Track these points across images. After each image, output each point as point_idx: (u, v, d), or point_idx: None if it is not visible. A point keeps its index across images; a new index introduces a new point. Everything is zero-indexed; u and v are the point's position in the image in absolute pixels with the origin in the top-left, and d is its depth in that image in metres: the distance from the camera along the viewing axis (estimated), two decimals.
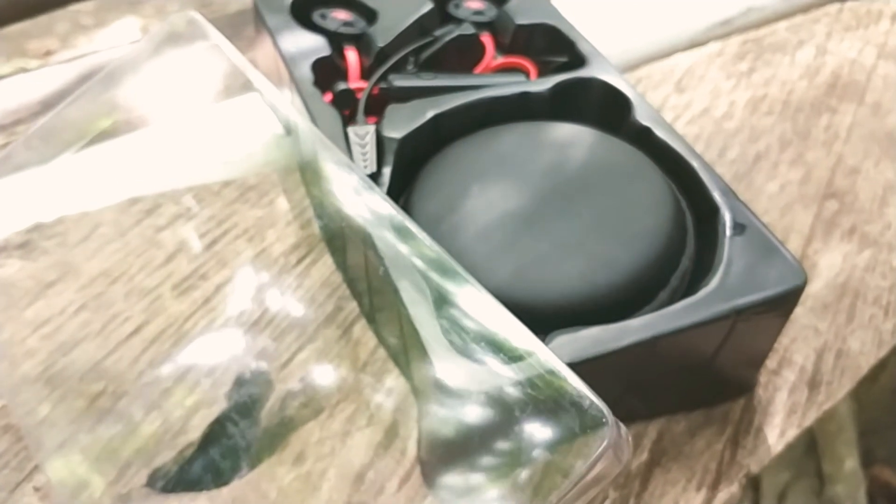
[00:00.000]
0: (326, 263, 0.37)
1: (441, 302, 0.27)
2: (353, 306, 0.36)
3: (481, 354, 0.26)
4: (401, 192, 0.34)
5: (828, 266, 0.40)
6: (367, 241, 0.30)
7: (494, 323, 0.26)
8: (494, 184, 0.32)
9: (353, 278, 0.35)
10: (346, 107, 0.37)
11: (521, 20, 0.41)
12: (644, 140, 0.35)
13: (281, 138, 0.36)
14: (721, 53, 0.53)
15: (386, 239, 0.29)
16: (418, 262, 0.28)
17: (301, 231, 0.39)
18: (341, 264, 0.36)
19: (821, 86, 0.51)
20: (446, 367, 0.27)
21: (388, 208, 0.29)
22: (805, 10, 0.59)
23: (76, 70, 0.59)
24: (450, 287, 0.27)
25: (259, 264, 0.37)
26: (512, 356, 0.25)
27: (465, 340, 0.27)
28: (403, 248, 0.28)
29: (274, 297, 0.36)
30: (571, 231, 0.30)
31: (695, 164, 0.33)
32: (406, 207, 0.33)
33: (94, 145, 0.41)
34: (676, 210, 0.32)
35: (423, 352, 0.28)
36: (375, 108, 0.37)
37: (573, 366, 0.23)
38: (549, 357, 0.24)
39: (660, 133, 0.35)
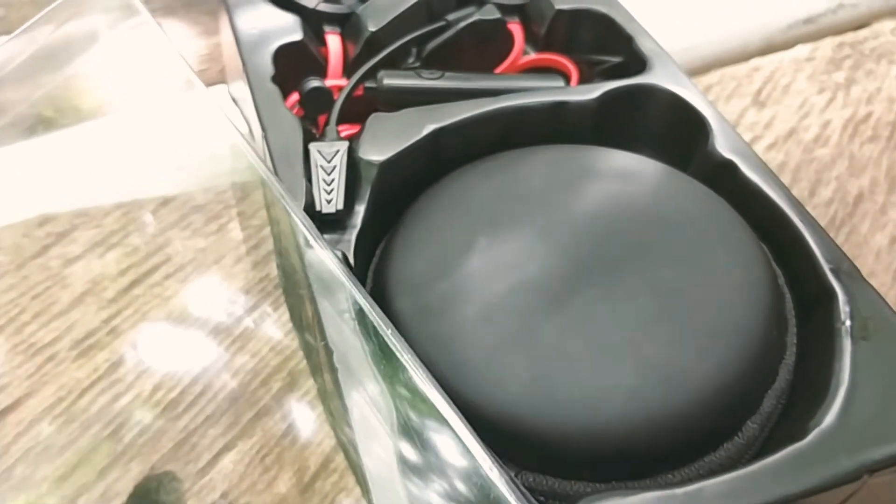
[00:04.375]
0: (280, 321, 0.28)
1: (405, 430, 0.18)
2: (308, 386, 0.26)
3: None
4: (378, 239, 0.25)
5: None
6: (316, 313, 0.21)
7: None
8: (510, 236, 0.23)
9: (308, 349, 0.25)
10: (319, 112, 0.27)
11: (563, 4, 0.31)
12: (724, 180, 0.25)
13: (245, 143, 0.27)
14: (811, 59, 0.43)
15: (334, 320, 0.20)
16: (374, 368, 0.18)
17: (253, 272, 0.29)
18: (298, 325, 0.26)
19: None
20: None
21: (341, 276, 0.19)
22: None
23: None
24: (412, 415, 0.17)
25: (190, 318, 0.28)
26: None
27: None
28: (354, 342, 0.19)
29: (202, 367, 0.26)
30: (618, 321, 0.20)
31: (799, 221, 0.23)
32: (382, 265, 0.23)
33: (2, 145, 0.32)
34: (773, 293, 0.22)
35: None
36: (362, 116, 0.27)
37: None
38: None
39: (749, 172, 0.25)
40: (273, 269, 0.29)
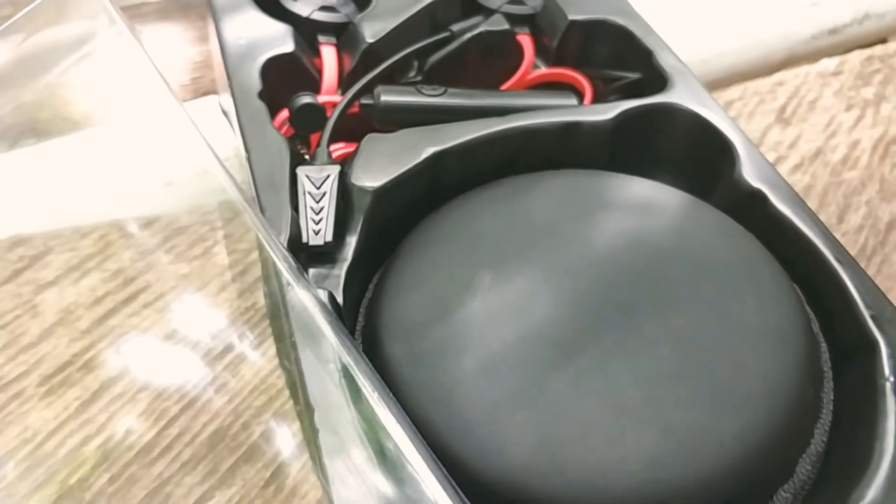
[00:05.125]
0: (266, 356, 0.26)
1: None
2: (295, 429, 0.24)
3: None
4: (371, 273, 0.23)
5: None
6: (297, 355, 0.19)
7: None
8: (516, 274, 0.20)
9: (294, 389, 0.23)
10: (310, 131, 0.25)
11: (577, 14, 0.28)
12: (752, 212, 0.23)
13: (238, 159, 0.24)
14: (838, 73, 0.40)
15: (317, 372, 0.17)
16: (361, 433, 0.16)
17: (239, 300, 0.27)
18: (284, 363, 0.24)
19: None
20: None
21: (325, 328, 0.17)
22: None
23: None
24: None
25: (168, 352, 0.26)
26: None
27: None
28: (339, 400, 0.17)
29: (180, 407, 0.24)
30: (635, 376, 0.18)
31: (835, 260, 0.21)
32: (374, 303, 0.21)
33: None
34: (808, 343, 0.20)
35: None
36: (358, 133, 0.25)
37: None
38: None
39: (780, 204, 0.22)
40: (260, 298, 0.27)
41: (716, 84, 0.44)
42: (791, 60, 0.48)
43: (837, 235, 0.25)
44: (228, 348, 0.25)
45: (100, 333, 0.26)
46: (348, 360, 0.16)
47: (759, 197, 0.23)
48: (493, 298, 0.20)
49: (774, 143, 0.36)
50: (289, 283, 0.18)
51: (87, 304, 0.26)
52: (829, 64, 0.41)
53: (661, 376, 0.18)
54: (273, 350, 0.25)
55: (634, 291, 0.20)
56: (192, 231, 0.29)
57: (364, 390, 0.16)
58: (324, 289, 0.19)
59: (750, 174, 0.23)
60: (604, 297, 0.20)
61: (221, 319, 0.26)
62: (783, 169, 0.34)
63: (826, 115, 0.37)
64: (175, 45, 0.42)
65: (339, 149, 0.26)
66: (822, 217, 0.32)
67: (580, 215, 0.22)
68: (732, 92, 0.38)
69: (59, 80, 0.30)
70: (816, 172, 0.34)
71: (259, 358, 0.25)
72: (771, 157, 0.35)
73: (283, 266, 0.18)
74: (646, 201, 0.22)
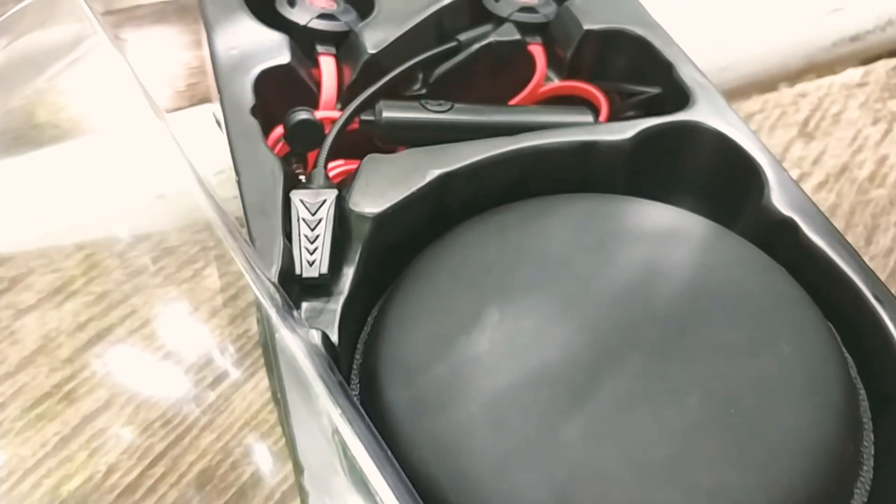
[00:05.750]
0: (258, 388, 0.24)
1: None
2: (287, 470, 0.22)
3: None
4: (370, 305, 0.21)
5: None
6: (285, 403, 0.17)
7: None
8: (527, 310, 0.19)
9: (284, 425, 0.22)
10: (307, 149, 0.23)
11: (593, 24, 0.27)
12: (782, 242, 0.21)
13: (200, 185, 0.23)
14: (863, 84, 0.38)
15: (305, 423, 0.16)
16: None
17: (230, 327, 0.25)
18: (277, 396, 0.23)
19: None
20: None
21: (312, 374, 0.15)
22: None
23: None
24: None
25: (154, 384, 0.24)
26: None
27: None
28: (330, 457, 0.15)
29: (166, 444, 0.23)
30: (658, 429, 0.17)
31: (874, 299, 0.19)
32: (373, 340, 0.20)
33: None
34: (847, 392, 0.18)
35: None
36: (359, 150, 0.23)
37: None
38: None
39: (812, 234, 0.21)
40: (253, 324, 0.25)
41: (734, 93, 0.42)
42: (811, 68, 0.46)
43: (866, 259, 0.23)
44: (218, 380, 0.24)
45: (82, 363, 0.24)
46: (339, 422, 0.15)
47: (789, 226, 0.21)
48: (502, 338, 0.18)
49: (797, 158, 0.34)
50: (276, 331, 0.16)
51: (70, 330, 0.25)
52: (853, 74, 0.39)
53: (686, 430, 0.17)
54: (265, 382, 0.24)
55: (657, 333, 0.18)
56: (182, 251, 0.27)
57: (355, 462, 0.14)
58: (316, 328, 0.18)
59: (779, 200, 0.21)
60: (623, 339, 0.18)
61: (211, 348, 0.25)
62: (807, 187, 0.32)
63: (851, 128, 0.36)
64: (170, 49, 0.40)
65: (339, 166, 0.24)
66: (849, 238, 0.30)
67: (597, 245, 0.20)
68: (753, 104, 0.37)
69: (48, 86, 0.29)
70: (842, 191, 0.33)
71: (251, 391, 0.24)
72: (794, 173, 0.33)
73: (268, 305, 0.17)
74: (668, 231, 0.21)
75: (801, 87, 0.38)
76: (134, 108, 0.24)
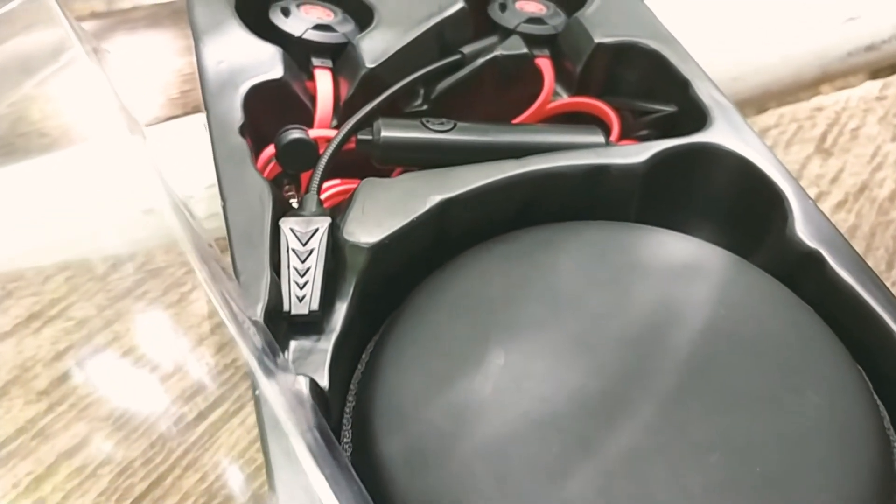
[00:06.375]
0: (245, 425, 0.23)
1: None
2: None
3: None
4: (363, 343, 0.19)
5: None
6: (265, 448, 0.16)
7: None
8: (533, 350, 0.17)
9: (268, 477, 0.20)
10: (300, 170, 0.22)
11: (605, 36, 0.25)
12: (807, 277, 0.20)
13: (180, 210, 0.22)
14: (882, 98, 0.37)
15: (289, 483, 0.14)
16: None
17: (217, 356, 0.24)
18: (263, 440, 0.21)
19: None
20: None
21: (292, 421, 0.14)
22: None
23: None
24: None
25: (135, 418, 0.23)
26: None
27: None
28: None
29: (145, 485, 0.21)
30: (676, 488, 0.15)
31: None
32: (367, 381, 0.18)
33: None
34: (880, 445, 0.16)
35: None
36: (356, 170, 0.22)
37: None
38: None
39: (840, 269, 0.19)
40: (241, 353, 0.24)
41: (746, 103, 0.41)
42: (825, 78, 0.45)
43: (888, 284, 0.22)
44: (203, 414, 0.22)
45: (59, 395, 0.23)
46: (323, 493, 0.13)
47: (815, 259, 0.20)
48: (507, 384, 0.17)
49: (815, 176, 0.32)
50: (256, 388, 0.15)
51: (47, 359, 0.23)
52: (871, 87, 0.38)
53: (709, 491, 0.15)
54: (252, 419, 0.22)
55: (675, 380, 0.17)
56: (168, 274, 0.26)
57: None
58: (304, 374, 0.16)
59: (804, 231, 0.20)
60: (638, 386, 0.17)
61: (197, 379, 0.23)
62: (825, 206, 0.31)
63: (871, 144, 0.34)
64: (164, 55, 0.39)
65: (335, 186, 0.23)
66: (870, 262, 0.29)
67: (610, 280, 0.19)
68: (768, 118, 0.35)
69: (35, 93, 0.27)
70: (862, 211, 0.31)
71: (238, 426, 0.22)
72: (812, 192, 0.32)
73: (247, 352, 0.15)
74: (686, 264, 0.19)
75: (817, 100, 0.37)
76: (113, 122, 0.22)
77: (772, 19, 0.42)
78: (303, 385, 0.16)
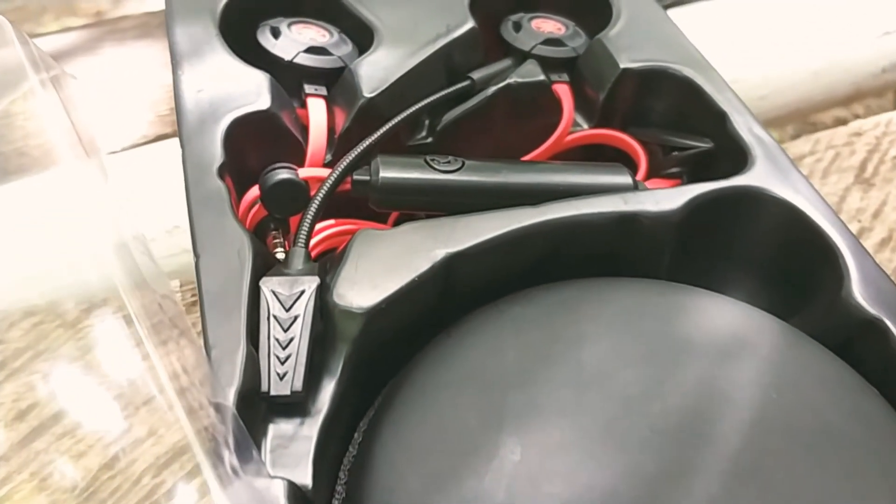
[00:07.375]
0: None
1: None
2: None
3: None
4: (355, 422, 0.17)
5: None
6: None
7: None
8: (552, 440, 0.15)
9: None
10: (288, 214, 0.19)
11: (631, 61, 0.23)
12: (865, 348, 0.17)
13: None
14: None
15: None
16: None
17: (201, 412, 0.21)
18: None
19: None
20: None
21: None
22: None
23: None
24: None
25: (103, 490, 0.20)
26: None
27: None
28: None
29: None
30: None
31: None
32: (357, 474, 0.16)
33: None
34: None
35: None
36: (353, 209, 0.19)
37: None
38: None
39: None
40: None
41: (774, 122, 0.38)
42: (857, 95, 0.42)
43: None
44: (176, 488, 0.20)
45: (20, 461, 0.20)
46: None
47: (877, 329, 0.17)
48: (524, 486, 0.14)
49: (855, 210, 0.30)
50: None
51: (8, 419, 0.21)
52: None
53: None
54: None
55: (720, 479, 0.14)
56: (143, 319, 0.23)
57: None
58: (280, 478, 0.14)
59: (864, 295, 0.17)
60: (678, 488, 0.14)
61: (175, 444, 0.21)
62: (868, 244, 0.28)
63: None
64: (152, 68, 0.36)
65: (329, 228, 0.20)
66: None
67: (645, 355, 0.16)
68: (802, 145, 0.33)
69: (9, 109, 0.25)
70: None
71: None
72: (853, 228, 0.29)
73: (200, 451, 0.13)
74: (735, 336, 0.17)
75: (855, 124, 0.34)
76: (67, 153, 0.20)
77: (801, 33, 0.39)
78: (279, 491, 0.13)
